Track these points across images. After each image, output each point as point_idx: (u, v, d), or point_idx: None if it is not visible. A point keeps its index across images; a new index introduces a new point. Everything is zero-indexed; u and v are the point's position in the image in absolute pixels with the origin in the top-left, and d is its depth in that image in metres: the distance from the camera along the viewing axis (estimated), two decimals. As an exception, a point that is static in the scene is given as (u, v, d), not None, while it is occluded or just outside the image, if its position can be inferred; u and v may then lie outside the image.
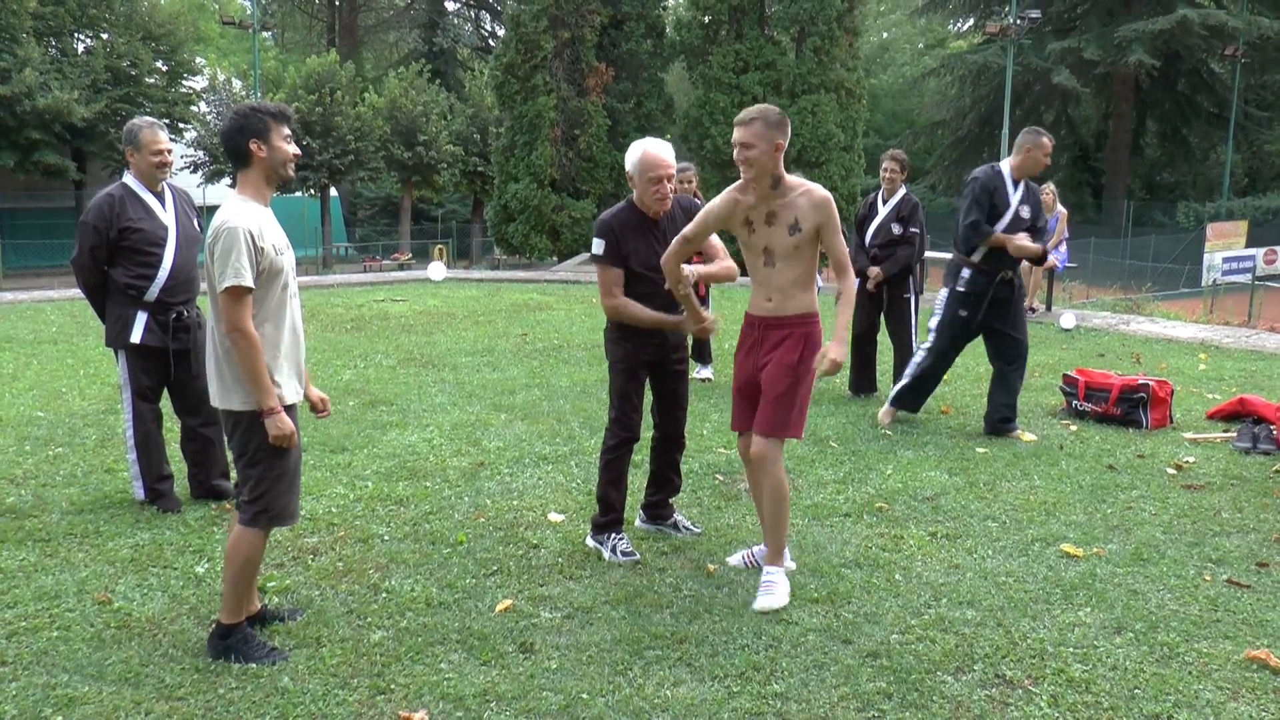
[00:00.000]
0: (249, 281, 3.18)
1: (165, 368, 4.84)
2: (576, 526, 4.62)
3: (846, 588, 3.93)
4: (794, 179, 3.84)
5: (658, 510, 4.56)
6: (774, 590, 3.80)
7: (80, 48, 28.06)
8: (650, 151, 4.02)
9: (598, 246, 4.11)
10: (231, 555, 3.33)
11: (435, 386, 7.75)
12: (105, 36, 27.87)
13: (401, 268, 26.96)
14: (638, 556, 4.21)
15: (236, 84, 31.52)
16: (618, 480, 4.29)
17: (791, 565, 4.06)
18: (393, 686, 3.18)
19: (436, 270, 17.35)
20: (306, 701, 3.07)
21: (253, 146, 3.27)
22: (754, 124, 3.72)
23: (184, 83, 30.11)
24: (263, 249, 3.23)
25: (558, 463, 5.67)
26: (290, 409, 3.35)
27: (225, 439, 3.51)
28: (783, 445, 3.91)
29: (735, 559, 4.21)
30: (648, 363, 4.25)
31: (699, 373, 8.20)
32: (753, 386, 3.95)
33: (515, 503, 4.97)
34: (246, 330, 3.19)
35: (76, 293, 9.90)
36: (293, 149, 3.35)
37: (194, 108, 30.07)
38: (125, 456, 5.02)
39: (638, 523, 4.59)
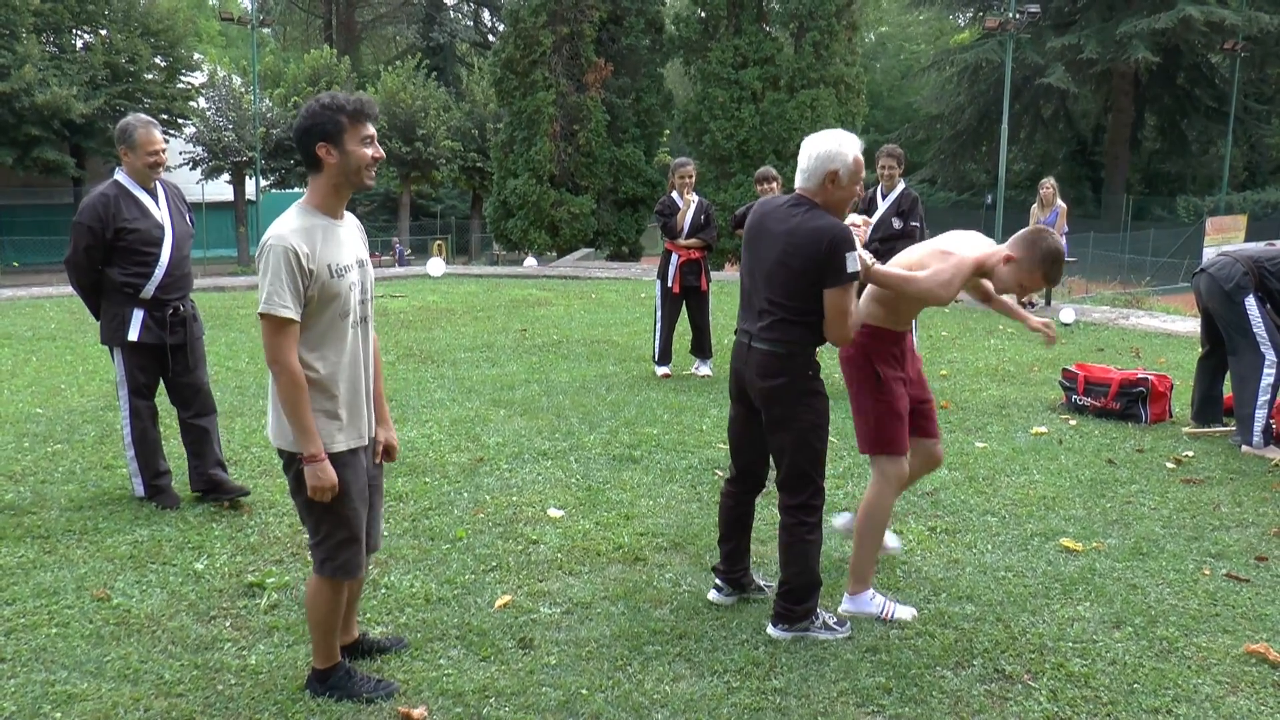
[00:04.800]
0: (286, 312, 2.77)
1: (162, 364, 4.83)
2: (575, 522, 4.62)
3: (846, 583, 3.93)
4: None
5: (746, 578, 3.84)
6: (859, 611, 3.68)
7: (79, 44, 28.07)
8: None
9: (854, 261, 3.30)
10: (309, 605, 3.03)
11: (434, 382, 7.74)
12: (104, 32, 27.87)
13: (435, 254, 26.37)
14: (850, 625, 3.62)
15: (236, 80, 31.49)
16: (819, 554, 3.55)
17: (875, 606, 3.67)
18: (392, 682, 3.17)
19: (435, 266, 17.34)
20: (305, 698, 3.07)
21: (320, 151, 2.83)
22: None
23: (183, 78, 30.10)
24: (313, 271, 2.80)
25: (557, 458, 5.67)
26: (352, 454, 2.96)
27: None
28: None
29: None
30: None
31: (698, 369, 8.19)
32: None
33: (514, 498, 4.96)
34: (285, 364, 2.79)
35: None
36: (372, 151, 2.88)
37: (193, 104, 30.06)
38: (124, 453, 5.02)
39: (712, 594, 3.81)
